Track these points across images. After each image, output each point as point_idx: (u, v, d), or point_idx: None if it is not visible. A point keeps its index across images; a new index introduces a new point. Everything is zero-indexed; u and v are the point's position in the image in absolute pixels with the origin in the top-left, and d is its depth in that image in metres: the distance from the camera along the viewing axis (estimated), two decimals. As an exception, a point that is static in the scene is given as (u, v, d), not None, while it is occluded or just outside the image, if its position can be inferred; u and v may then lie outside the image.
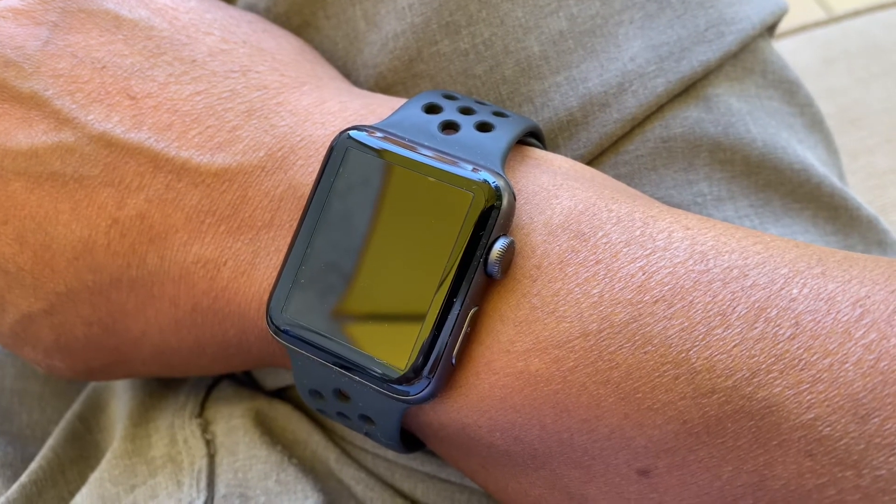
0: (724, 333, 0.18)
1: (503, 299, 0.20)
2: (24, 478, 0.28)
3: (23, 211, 0.23)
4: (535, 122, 0.24)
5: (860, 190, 0.46)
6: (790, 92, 0.29)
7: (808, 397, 0.18)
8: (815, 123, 0.30)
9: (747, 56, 0.28)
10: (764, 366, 0.18)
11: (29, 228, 0.23)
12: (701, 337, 0.19)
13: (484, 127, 0.22)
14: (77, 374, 0.26)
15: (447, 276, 0.20)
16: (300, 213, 0.22)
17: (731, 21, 0.27)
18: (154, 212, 0.23)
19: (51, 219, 0.23)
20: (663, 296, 0.19)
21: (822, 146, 0.30)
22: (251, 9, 0.28)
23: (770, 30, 0.29)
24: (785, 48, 0.52)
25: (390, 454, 0.27)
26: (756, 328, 0.18)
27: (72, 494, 0.29)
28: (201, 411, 0.28)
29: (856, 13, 0.54)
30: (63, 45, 0.23)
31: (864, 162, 0.48)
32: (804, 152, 0.28)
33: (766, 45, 0.29)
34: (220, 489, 0.25)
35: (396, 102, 0.24)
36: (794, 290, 0.19)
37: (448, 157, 0.21)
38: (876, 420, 0.17)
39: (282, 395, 0.29)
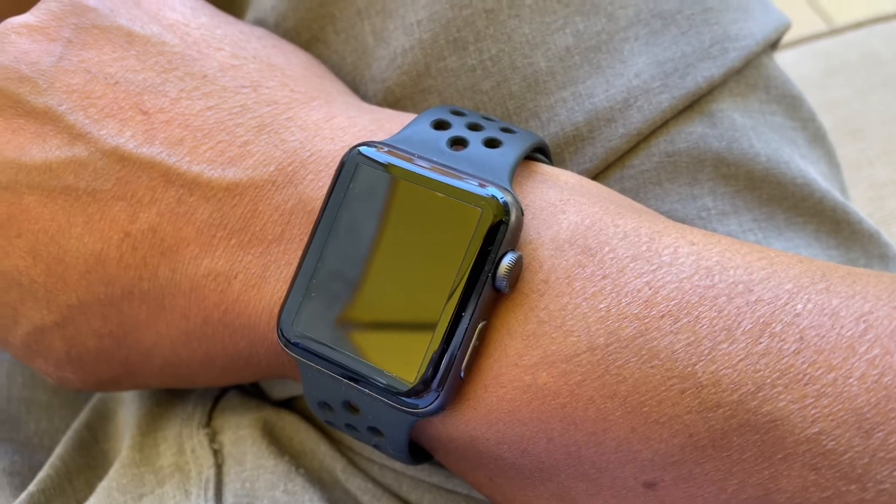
0: (730, 348, 0.19)
1: (511, 313, 0.20)
2: (31, 487, 0.28)
3: (36, 224, 0.23)
4: (541, 137, 0.24)
5: (860, 201, 0.46)
6: (793, 107, 0.29)
7: (813, 411, 0.18)
8: (817, 138, 0.30)
9: (751, 72, 0.28)
10: (769, 380, 0.18)
11: (42, 242, 0.23)
12: (707, 351, 0.19)
13: (492, 143, 0.22)
14: (88, 386, 0.26)
15: (456, 290, 0.20)
16: (310, 227, 0.22)
17: (735, 38, 0.27)
18: (166, 225, 0.23)
19: (64, 232, 0.23)
20: (669, 311, 0.19)
21: (825, 161, 0.30)
22: (260, 24, 0.29)
23: (773, 45, 0.29)
24: (786, 60, 0.53)
25: (397, 465, 0.27)
26: (761, 343, 0.19)
27: (79, 503, 0.29)
28: (209, 421, 0.28)
29: (857, 25, 0.54)
30: (77, 61, 0.24)
31: (864, 174, 0.48)
32: (807, 167, 0.28)
33: (769, 60, 0.29)
34: (228, 499, 0.25)
35: (405, 118, 0.24)
36: (799, 306, 0.19)
37: (456, 173, 0.21)
38: (880, 434, 0.17)
39: (288, 404, 0.29)
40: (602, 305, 0.20)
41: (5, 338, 0.26)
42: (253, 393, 0.30)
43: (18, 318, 0.25)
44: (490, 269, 0.20)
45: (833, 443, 0.18)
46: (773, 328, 0.19)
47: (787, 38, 0.52)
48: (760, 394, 0.18)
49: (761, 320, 0.19)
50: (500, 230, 0.20)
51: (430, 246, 0.21)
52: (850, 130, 0.49)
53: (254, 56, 0.25)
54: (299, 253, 0.22)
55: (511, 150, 0.22)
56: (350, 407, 0.22)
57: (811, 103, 0.30)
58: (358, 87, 0.28)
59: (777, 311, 0.19)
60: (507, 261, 0.20)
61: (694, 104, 0.27)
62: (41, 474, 0.29)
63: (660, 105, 0.26)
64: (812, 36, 0.54)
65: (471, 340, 0.20)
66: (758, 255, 0.20)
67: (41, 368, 0.26)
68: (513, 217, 0.20)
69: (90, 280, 0.23)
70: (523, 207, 0.21)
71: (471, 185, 0.21)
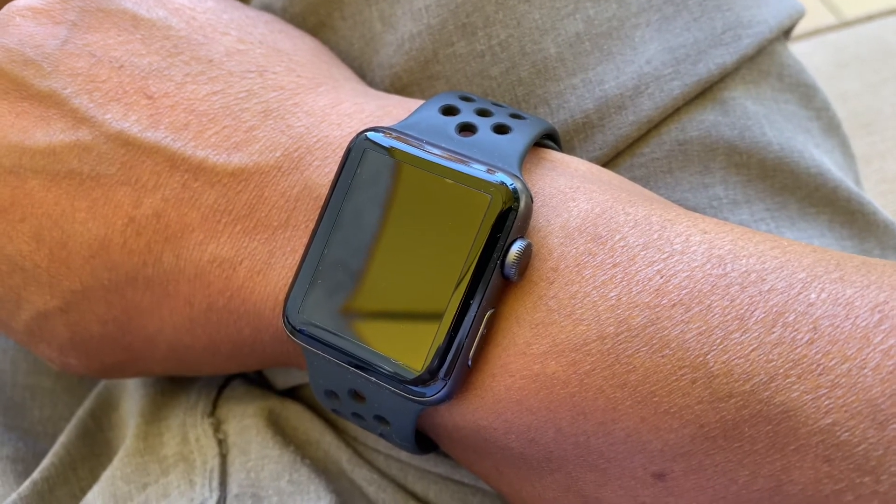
0: (742, 338, 0.18)
1: (520, 301, 0.20)
2: (35, 475, 0.28)
3: (40, 209, 0.23)
4: (551, 124, 0.24)
5: (872, 195, 0.46)
6: (807, 96, 0.29)
7: (826, 402, 0.18)
8: (831, 128, 0.30)
9: (764, 59, 0.28)
10: (782, 370, 0.18)
11: (46, 226, 0.23)
12: (718, 341, 0.19)
13: (501, 129, 0.22)
14: (91, 372, 0.26)
15: (464, 277, 0.20)
16: (316, 213, 0.22)
17: (748, 24, 0.27)
18: (170, 211, 0.23)
19: (67, 217, 0.23)
20: (681, 299, 0.19)
21: (839, 150, 0.30)
22: (267, 9, 0.29)
23: (786, 33, 0.29)
24: (797, 52, 0.52)
25: (403, 455, 0.27)
26: (774, 332, 0.18)
27: (83, 492, 0.29)
28: (213, 410, 0.28)
29: (868, 18, 0.54)
30: (81, 45, 0.23)
31: (875, 167, 0.48)
32: (820, 156, 0.28)
33: (782, 48, 0.29)
34: (233, 489, 0.25)
35: (412, 104, 0.24)
36: (812, 295, 0.19)
37: (465, 159, 0.21)
38: (895, 425, 0.17)
39: (293, 394, 0.29)
40: (612, 294, 0.19)
41: (8, 323, 0.26)
42: (257, 382, 0.30)
43: (21, 303, 0.24)
44: (499, 257, 0.20)
45: (847, 434, 0.17)
46: (787, 318, 0.18)
47: (798, 29, 0.52)
48: (773, 384, 0.18)
49: (774, 310, 0.19)
50: (510, 217, 0.20)
51: (437, 232, 0.20)
52: (861, 124, 0.49)
53: (260, 41, 0.25)
54: (305, 240, 0.22)
55: (520, 136, 0.22)
56: (356, 395, 0.22)
57: (824, 96, 0.30)
58: (365, 72, 0.28)
59: (790, 301, 0.19)
60: (515, 248, 0.20)
61: (706, 91, 0.27)
62: (45, 462, 0.29)
63: (671, 92, 0.26)
64: (823, 28, 0.54)
65: (479, 329, 0.20)
66: (770, 243, 0.20)
67: (44, 354, 0.26)
68: (522, 204, 0.20)
69: (94, 265, 0.23)
70: (533, 194, 0.21)
71: (479, 172, 0.21)
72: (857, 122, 0.49)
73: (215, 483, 0.25)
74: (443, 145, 0.22)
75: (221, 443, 0.27)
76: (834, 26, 0.54)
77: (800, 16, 0.29)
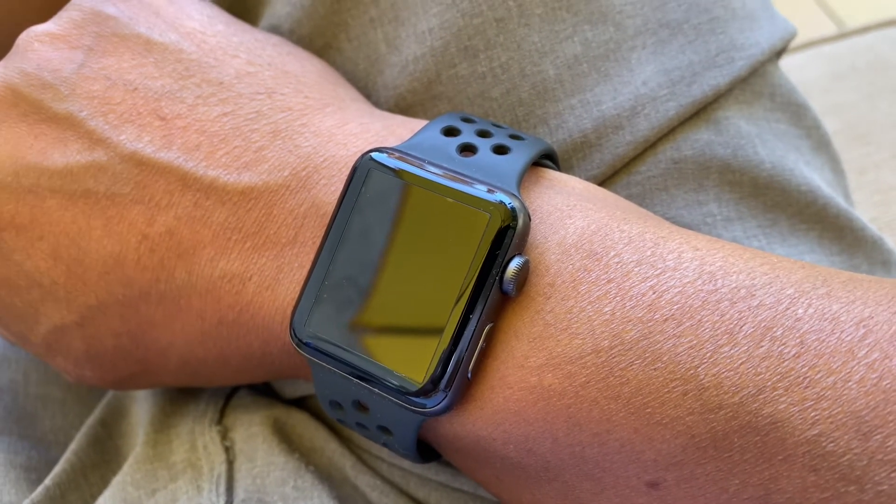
0: (732, 351, 0.19)
1: (518, 316, 0.21)
2: (48, 481, 0.29)
3: (57, 227, 0.24)
4: (549, 144, 0.24)
5: (866, 205, 0.46)
6: (798, 115, 0.29)
7: (813, 414, 0.18)
8: (821, 145, 0.30)
9: (756, 80, 0.28)
10: (769, 383, 0.18)
11: (63, 244, 0.24)
12: (709, 354, 0.19)
13: (500, 149, 0.23)
14: (105, 384, 0.27)
15: (464, 293, 0.21)
16: (323, 230, 0.23)
17: (742, 47, 0.28)
18: (182, 228, 0.23)
19: (84, 235, 0.24)
20: (673, 314, 0.19)
21: (829, 168, 0.30)
22: (275, 31, 0.29)
23: (778, 54, 0.30)
24: (793, 63, 0.53)
25: (405, 463, 0.28)
26: (762, 346, 0.19)
27: (94, 498, 0.29)
28: (221, 418, 0.29)
29: (864, 29, 0.55)
30: (97, 69, 0.24)
31: (870, 177, 0.48)
32: (811, 174, 0.29)
33: (774, 69, 0.29)
34: (239, 494, 0.26)
35: (416, 124, 0.25)
36: (800, 310, 0.19)
37: (465, 179, 0.22)
38: (878, 437, 0.18)
39: (299, 403, 0.30)
40: (607, 309, 0.20)
41: (27, 336, 0.26)
42: (264, 391, 0.31)
43: (39, 318, 0.25)
44: (497, 273, 0.20)
45: (832, 445, 0.18)
46: (775, 332, 0.19)
47: (795, 41, 0.53)
48: (761, 396, 0.18)
49: (763, 324, 0.19)
50: (508, 235, 0.20)
51: (439, 249, 0.21)
52: (856, 134, 0.49)
53: (269, 63, 0.26)
54: (312, 256, 0.23)
55: (519, 156, 0.23)
56: (360, 406, 0.23)
57: (818, 107, 0.30)
58: (370, 93, 0.28)
59: (778, 316, 0.19)
60: (514, 265, 0.20)
61: (700, 112, 0.27)
62: (56, 469, 0.29)
63: (667, 113, 0.27)
64: (820, 40, 0.55)
65: (478, 342, 0.21)
66: (760, 260, 0.21)
67: (61, 366, 0.27)
68: (520, 222, 0.21)
69: (109, 281, 0.24)
70: (530, 212, 0.22)
71: (479, 191, 0.21)
72: (852, 133, 0.49)
73: (222, 489, 0.26)
74: (444, 165, 0.22)
75: (228, 450, 0.27)
76: (831, 38, 0.55)
77: (791, 37, 0.30)
